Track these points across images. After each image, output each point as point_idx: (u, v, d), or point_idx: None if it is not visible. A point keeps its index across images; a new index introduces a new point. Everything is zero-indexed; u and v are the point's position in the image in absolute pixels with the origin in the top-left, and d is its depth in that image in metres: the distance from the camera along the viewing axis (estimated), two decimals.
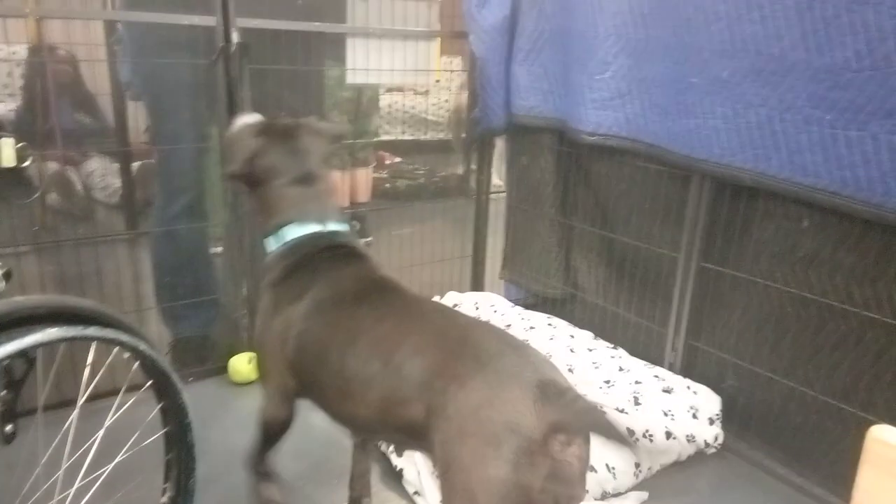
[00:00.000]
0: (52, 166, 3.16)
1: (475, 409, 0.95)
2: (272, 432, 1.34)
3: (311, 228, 1.31)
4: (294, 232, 1.30)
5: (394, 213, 3.53)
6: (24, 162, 1.12)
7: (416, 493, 1.60)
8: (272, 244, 1.33)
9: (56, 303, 1.02)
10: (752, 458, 1.80)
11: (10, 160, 1.08)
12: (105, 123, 3.36)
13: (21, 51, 3.36)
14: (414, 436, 1.05)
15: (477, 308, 2.50)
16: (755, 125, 1.63)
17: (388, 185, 4.30)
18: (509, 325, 2.29)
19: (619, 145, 2.03)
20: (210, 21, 1.93)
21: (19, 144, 1.09)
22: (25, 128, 3.26)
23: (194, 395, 1.25)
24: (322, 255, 1.29)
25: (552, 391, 0.94)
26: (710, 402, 1.85)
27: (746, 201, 1.77)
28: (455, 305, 2.54)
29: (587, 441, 0.98)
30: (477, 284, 2.80)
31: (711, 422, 1.82)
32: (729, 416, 1.85)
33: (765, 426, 1.80)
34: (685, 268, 1.95)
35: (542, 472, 0.92)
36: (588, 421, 0.96)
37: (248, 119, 1.42)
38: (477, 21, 2.37)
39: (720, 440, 1.82)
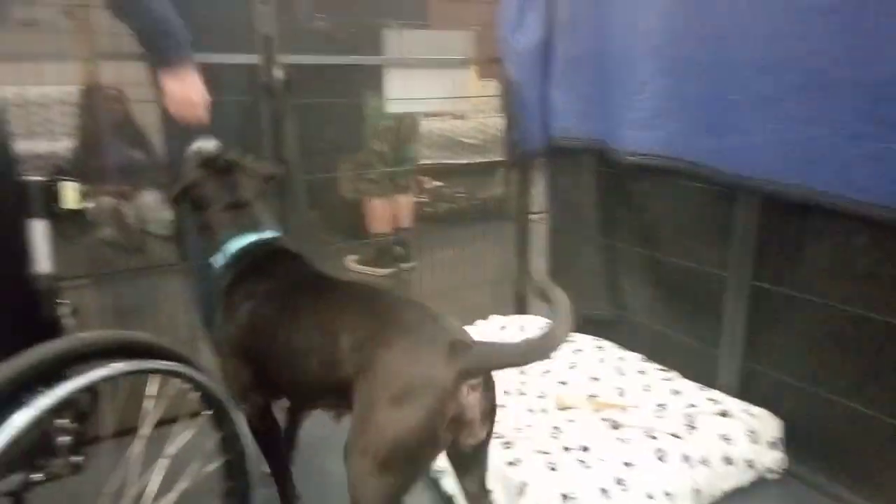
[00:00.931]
0: (107, 201, 3.28)
1: (398, 366, 1.16)
2: (264, 438, 1.47)
3: (250, 238, 1.52)
4: (236, 244, 1.51)
5: (435, 236, 3.55)
6: (85, 203, 1.17)
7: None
8: (219, 260, 1.52)
9: (119, 338, 1.06)
10: (816, 482, 1.74)
11: (73, 202, 1.13)
12: (156, 158, 3.48)
13: (75, 91, 3.52)
14: (342, 392, 1.23)
15: (522, 331, 2.49)
16: (801, 141, 1.59)
17: (428, 209, 4.33)
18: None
19: (660, 165, 2.01)
20: (253, 59, 1.99)
21: (82, 187, 1.14)
22: (80, 165, 3.40)
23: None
24: (266, 258, 1.51)
25: (460, 347, 1.16)
26: (769, 425, 1.80)
27: (798, 218, 1.73)
28: (502, 328, 2.54)
29: (489, 389, 1.20)
30: (520, 307, 2.78)
31: (772, 446, 1.76)
32: (790, 440, 1.80)
33: (828, 450, 1.74)
34: (736, 287, 1.90)
35: (449, 414, 1.13)
36: (488, 360, 1.19)
37: (202, 145, 1.63)
38: (512, 46, 2.39)
39: (782, 465, 1.77)
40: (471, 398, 1.16)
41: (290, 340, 1.34)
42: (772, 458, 1.75)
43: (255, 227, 1.54)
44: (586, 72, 2.23)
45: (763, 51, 1.62)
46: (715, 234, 1.96)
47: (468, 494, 1.35)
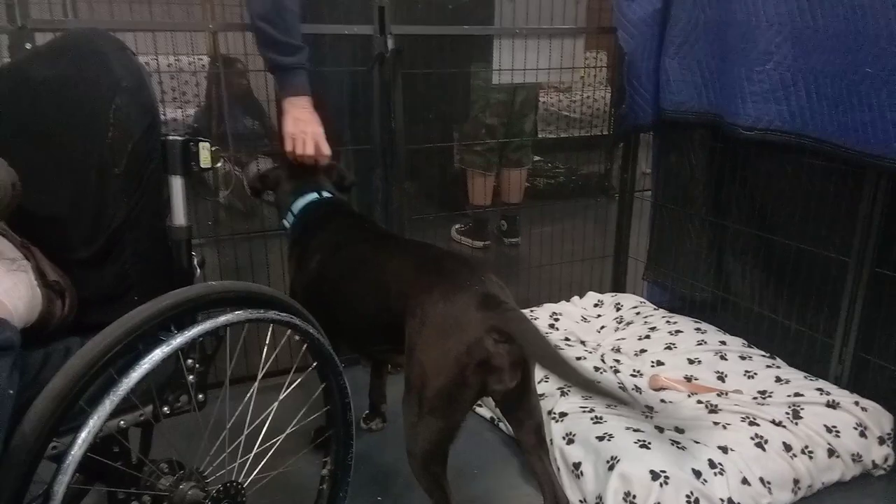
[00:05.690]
0: (226, 166, 3.50)
1: (434, 309, 1.27)
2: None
3: (312, 197, 1.76)
4: (300, 204, 1.75)
5: (534, 211, 3.53)
6: (216, 163, 1.27)
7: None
8: (289, 220, 1.76)
9: (242, 288, 1.15)
10: None
11: (206, 162, 1.23)
12: (270, 128, 3.66)
13: (201, 62, 3.73)
14: (392, 334, 1.36)
15: (618, 309, 2.46)
16: None
17: (527, 185, 4.30)
18: (654, 328, 2.23)
19: (781, 140, 1.90)
20: (367, 30, 2.06)
21: (214, 148, 1.23)
22: (203, 132, 3.64)
23: (349, 380, 1.35)
24: (328, 215, 1.72)
25: (492, 302, 1.25)
26: (880, 419, 1.70)
27: None
28: (595, 305, 2.52)
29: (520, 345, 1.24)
30: (618, 285, 2.74)
31: (882, 441, 1.67)
32: None
33: None
34: (856, 273, 1.79)
35: (476, 359, 1.22)
36: (515, 327, 1.22)
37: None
38: (626, 15, 2.32)
39: (890, 461, 1.67)
40: (499, 347, 1.22)
41: (351, 287, 1.52)
42: (880, 454, 1.65)
43: (314, 189, 1.78)
44: (705, 41, 2.13)
45: None
46: (836, 215, 1.85)
47: (525, 446, 1.42)
